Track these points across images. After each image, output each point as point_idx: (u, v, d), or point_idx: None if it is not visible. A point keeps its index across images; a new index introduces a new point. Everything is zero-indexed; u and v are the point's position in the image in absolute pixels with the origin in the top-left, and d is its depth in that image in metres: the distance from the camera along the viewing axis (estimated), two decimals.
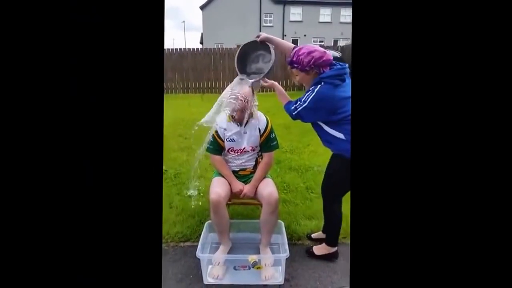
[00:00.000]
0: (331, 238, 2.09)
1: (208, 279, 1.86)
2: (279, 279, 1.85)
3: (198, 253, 1.79)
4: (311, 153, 4.00)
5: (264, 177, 2.09)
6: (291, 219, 2.45)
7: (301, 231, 2.33)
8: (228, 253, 2.04)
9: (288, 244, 1.96)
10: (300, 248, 2.19)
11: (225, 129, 2.03)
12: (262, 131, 2.05)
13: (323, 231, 2.23)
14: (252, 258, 1.84)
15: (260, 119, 2.07)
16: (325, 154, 3.81)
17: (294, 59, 1.79)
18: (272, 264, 1.89)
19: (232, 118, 2.02)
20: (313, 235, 2.27)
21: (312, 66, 1.76)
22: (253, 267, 1.85)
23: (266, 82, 1.97)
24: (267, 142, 2.07)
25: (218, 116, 2.03)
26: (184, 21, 54.72)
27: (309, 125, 1.94)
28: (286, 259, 1.85)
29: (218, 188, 1.94)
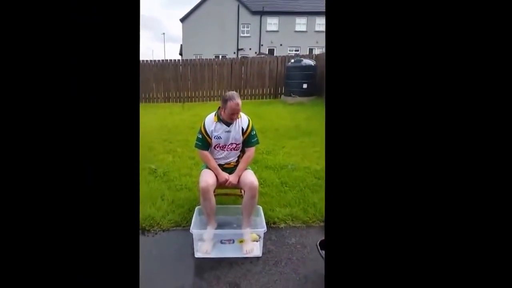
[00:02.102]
0: None
1: (198, 254, 2.21)
2: (258, 252, 2.24)
3: (192, 229, 2.16)
4: (286, 154, 4.39)
5: (246, 169, 2.47)
6: (268, 208, 2.82)
7: (276, 216, 2.71)
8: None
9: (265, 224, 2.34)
10: (275, 229, 2.57)
11: (212, 128, 2.41)
12: (244, 129, 2.44)
13: None
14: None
15: (243, 119, 2.46)
16: (298, 155, 4.29)
17: None
18: (253, 239, 2.27)
19: (218, 118, 2.41)
20: None
21: None
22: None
23: None
24: (249, 139, 2.47)
25: (206, 117, 2.44)
26: (164, 33, 54.90)
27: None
28: (264, 236, 2.24)
29: (207, 178, 2.32)
